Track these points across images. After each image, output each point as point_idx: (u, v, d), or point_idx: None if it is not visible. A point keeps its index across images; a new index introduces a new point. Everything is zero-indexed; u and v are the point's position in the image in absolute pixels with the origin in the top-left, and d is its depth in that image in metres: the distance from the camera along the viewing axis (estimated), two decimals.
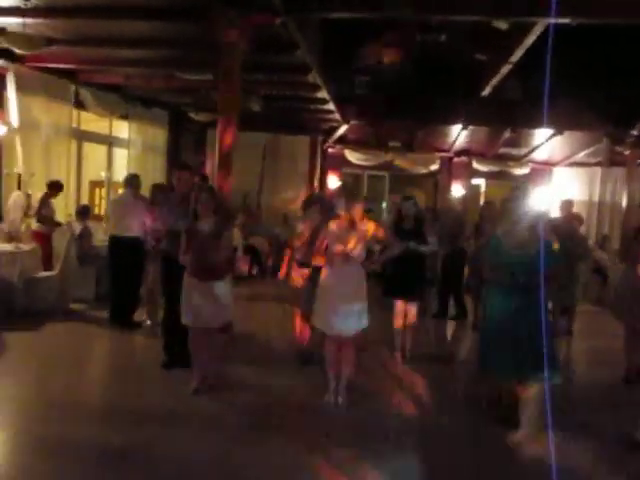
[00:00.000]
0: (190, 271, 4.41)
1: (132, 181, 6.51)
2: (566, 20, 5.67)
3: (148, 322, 6.37)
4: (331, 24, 8.24)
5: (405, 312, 5.74)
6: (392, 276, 5.65)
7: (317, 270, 4.69)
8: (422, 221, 5.78)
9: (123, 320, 6.26)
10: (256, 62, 6.89)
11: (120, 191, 7.95)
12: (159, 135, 11.01)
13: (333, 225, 4.43)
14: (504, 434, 4.02)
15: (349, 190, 5.85)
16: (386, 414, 4.43)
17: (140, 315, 6.43)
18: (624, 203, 11.04)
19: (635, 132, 10.23)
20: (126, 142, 10.25)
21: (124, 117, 9.96)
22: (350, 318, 4.32)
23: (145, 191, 6.60)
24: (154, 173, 10.44)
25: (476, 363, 4.49)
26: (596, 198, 13.55)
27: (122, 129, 10.25)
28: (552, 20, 5.60)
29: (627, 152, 10.82)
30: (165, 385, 4.69)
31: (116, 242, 6.35)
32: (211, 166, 11.45)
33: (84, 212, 7.95)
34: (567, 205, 8.30)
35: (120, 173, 10.45)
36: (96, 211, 10.12)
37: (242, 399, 4.48)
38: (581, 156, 12.93)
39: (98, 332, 6.34)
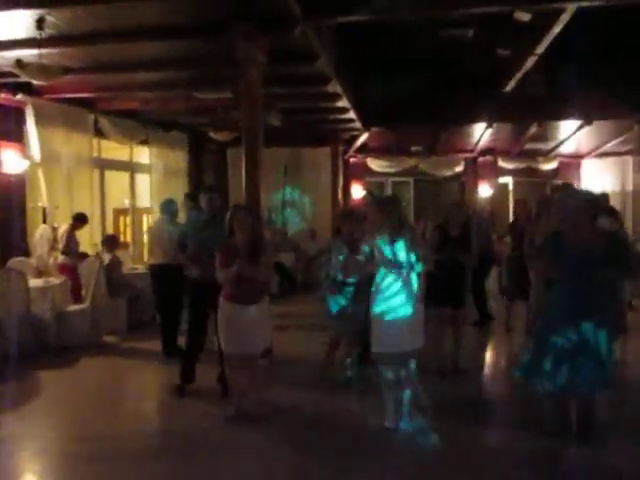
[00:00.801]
0: (227, 295, 4.21)
1: (166, 207, 6.34)
2: (597, 2, 5.41)
3: None
4: (345, 30, 8.08)
5: (452, 321, 5.48)
6: (440, 284, 5.36)
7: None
8: (469, 229, 5.53)
9: (173, 349, 6.06)
10: (275, 75, 6.73)
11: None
12: (179, 158, 10.94)
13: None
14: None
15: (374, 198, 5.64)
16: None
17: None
18: None
19: None
20: (147, 167, 10.20)
21: (144, 142, 9.91)
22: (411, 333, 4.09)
23: None
24: (177, 196, 10.32)
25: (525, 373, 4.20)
26: (630, 188, 13.12)
27: (143, 154, 10.20)
28: (583, 3, 5.40)
29: None
30: (208, 418, 4.47)
31: (154, 270, 6.23)
32: (232, 185, 11.36)
33: (112, 241, 7.83)
34: (603, 200, 7.96)
35: (143, 199, 10.40)
36: (122, 238, 10.04)
37: (294, 427, 4.25)
38: (611, 146, 12.53)
39: (134, 365, 6.16)
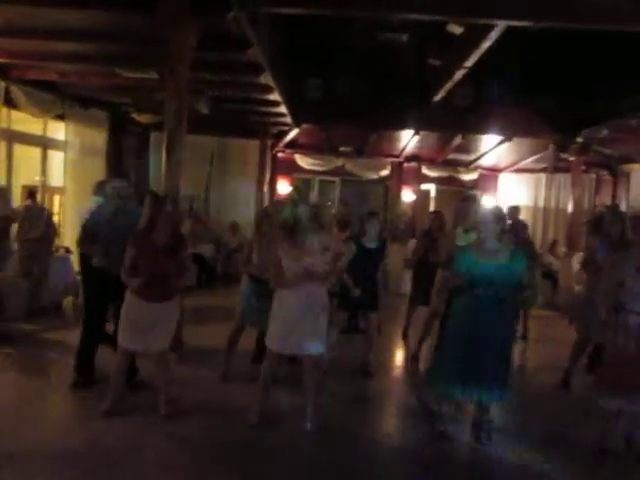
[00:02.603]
0: (136, 290, 3.98)
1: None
2: (526, 23, 5.60)
3: None
4: (283, 24, 7.96)
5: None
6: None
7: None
8: (386, 239, 5.75)
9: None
10: (206, 61, 6.50)
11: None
12: (98, 137, 10.34)
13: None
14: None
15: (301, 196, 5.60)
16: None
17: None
18: (569, 208, 11.25)
19: (580, 139, 10.43)
20: (62, 144, 9.57)
21: (60, 117, 9.29)
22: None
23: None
24: (94, 177, 9.79)
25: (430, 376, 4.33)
26: (541, 203, 13.84)
27: (58, 130, 9.57)
28: (512, 22, 5.58)
29: (572, 159, 11.03)
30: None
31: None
32: (154, 170, 10.92)
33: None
34: (514, 211, 8.31)
35: (56, 177, 9.78)
36: None
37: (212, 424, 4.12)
38: (527, 162, 13.16)
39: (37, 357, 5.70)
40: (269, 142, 12.15)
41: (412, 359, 6.26)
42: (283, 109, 9.42)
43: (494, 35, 6.30)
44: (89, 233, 4.70)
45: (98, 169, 10.13)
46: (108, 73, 7.73)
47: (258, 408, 4.16)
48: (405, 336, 7.28)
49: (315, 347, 4.06)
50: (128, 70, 7.46)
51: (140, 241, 3.96)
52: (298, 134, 11.76)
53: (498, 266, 3.88)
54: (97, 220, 4.78)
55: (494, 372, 3.91)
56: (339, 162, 13.19)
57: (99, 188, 5.57)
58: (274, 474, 3.56)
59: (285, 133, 11.84)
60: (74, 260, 7.37)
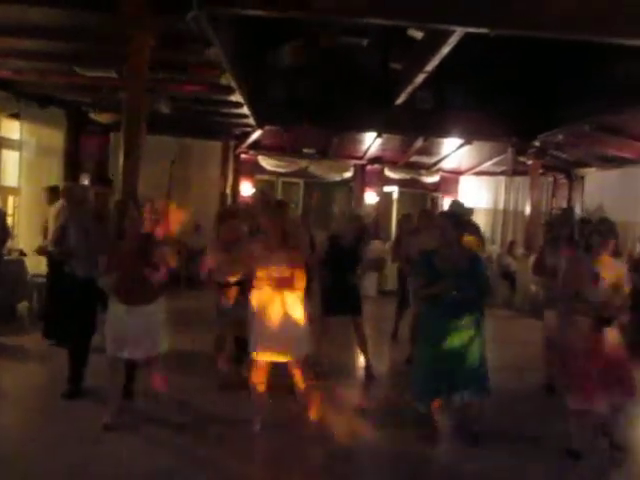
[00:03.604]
0: (117, 295, 3.93)
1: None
2: (482, 30, 5.71)
3: None
4: (246, 25, 7.92)
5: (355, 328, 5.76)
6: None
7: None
8: (361, 240, 5.82)
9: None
10: (165, 60, 6.43)
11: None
12: (56, 137, 10.10)
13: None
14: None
15: (269, 199, 5.58)
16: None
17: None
18: (527, 210, 11.53)
19: (537, 143, 10.71)
20: (17, 144, 9.31)
21: (15, 116, 9.03)
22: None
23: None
24: (50, 178, 9.56)
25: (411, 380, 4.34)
26: (501, 206, 14.16)
27: (13, 129, 9.30)
28: (469, 28, 5.69)
29: (530, 162, 11.32)
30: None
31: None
32: (114, 173, 10.68)
33: None
34: (466, 213, 8.48)
35: (11, 178, 9.50)
36: None
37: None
38: (487, 165, 13.43)
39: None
40: (232, 143, 12.07)
41: (406, 361, 6.14)
42: (245, 110, 9.37)
43: (453, 40, 6.42)
44: (58, 240, 4.59)
45: (55, 170, 9.89)
46: (66, 71, 7.56)
47: (259, 416, 4.12)
48: (395, 336, 7.35)
49: (296, 351, 4.03)
50: (87, 69, 7.31)
51: (111, 248, 3.92)
52: (261, 135, 11.72)
53: (457, 272, 3.95)
54: (64, 226, 4.67)
55: (470, 374, 3.99)
56: (302, 164, 13.21)
57: (68, 191, 5.47)
58: None
59: (248, 134, 11.78)
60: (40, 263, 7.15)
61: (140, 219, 3.98)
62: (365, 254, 5.80)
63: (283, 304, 3.96)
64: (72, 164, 10.42)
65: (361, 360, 5.93)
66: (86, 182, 5.23)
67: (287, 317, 3.95)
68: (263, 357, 4.03)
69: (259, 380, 4.12)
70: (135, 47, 5.17)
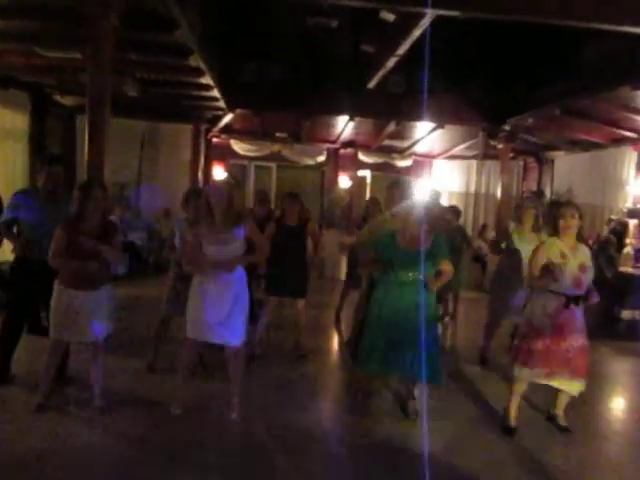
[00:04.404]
0: (64, 279, 3.84)
1: None
2: (453, 12, 5.69)
3: None
4: (214, 7, 7.77)
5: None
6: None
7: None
8: (305, 220, 5.78)
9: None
10: (131, 41, 6.26)
11: None
12: (19, 120, 9.79)
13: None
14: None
15: (236, 182, 5.49)
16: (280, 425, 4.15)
17: None
18: (498, 194, 11.65)
19: (507, 127, 10.78)
20: None
21: None
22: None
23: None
24: (14, 162, 9.30)
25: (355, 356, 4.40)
26: (473, 189, 14.30)
27: None
28: (440, 11, 5.66)
29: (500, 146, 11.41)
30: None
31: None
32: (81, 156, 10.43)
33: None
34: (435, 196, 8.54)
35: None
36: None
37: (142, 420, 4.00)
38: (459, 149, 13.51)
39: None
40: (203, 127, 11.88)
41: (345, 343, 6.34)
42: (216, 93, 9.22)
43: (425, 23, 6.38)
44: (5, 221, 4.46)
45: (19, 153, 9.62)
46: (28, 52, 7.31)
47: (181, 399, 4.10)
48: (338, 319, 7.39)
49: (233, 338, 3.97)
50: (49, 49, 7.08)
51: (70, 228, 3.80)
52: (233, 119, 11.56)
53: (418, 252, 3.97)
54: (15, 205, 4.51)
55: (418, 354, 3.97)
56: (275, 148, 13.11)
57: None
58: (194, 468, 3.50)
59: (219, 118, 11.60)
60: None
61: (104, 202, 3.88)
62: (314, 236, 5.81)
63: (222, 286, 3.90)
64: (37, 148, 10.14)
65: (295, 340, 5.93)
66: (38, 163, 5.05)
67: (227, 302, 3.90)
68: (197, 338, 4.01)
69: (187, 362, 4.10)
70: (98, 27, 5.00)
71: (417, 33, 6.76)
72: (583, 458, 3.91)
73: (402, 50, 7.49)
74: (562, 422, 4.24)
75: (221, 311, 3.88)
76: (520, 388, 4.13)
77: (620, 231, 9.20)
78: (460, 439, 4.03)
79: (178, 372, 4.15)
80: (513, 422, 4.16)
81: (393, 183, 4.92)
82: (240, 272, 4.01)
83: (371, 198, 7.65)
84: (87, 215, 3.83)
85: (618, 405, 5.26)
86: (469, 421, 4.36)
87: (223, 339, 3.98)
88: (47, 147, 10.53)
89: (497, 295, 5.84)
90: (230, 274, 3.91)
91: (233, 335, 3.95)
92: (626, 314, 7.82)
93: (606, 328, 7.42)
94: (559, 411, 4.27)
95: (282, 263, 5.38)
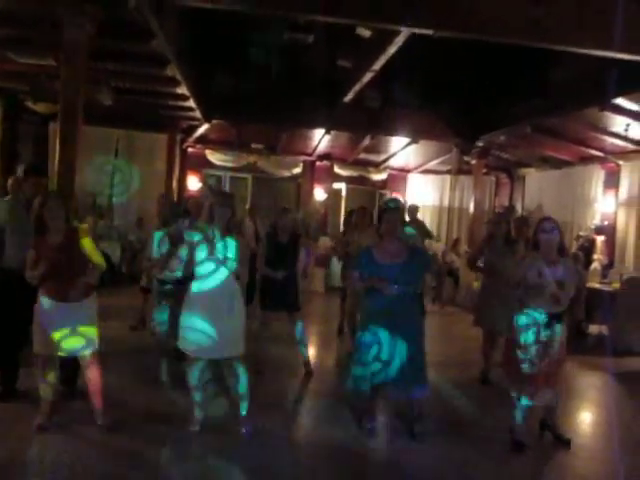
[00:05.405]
0: (46, 291, 3.76)
1: None
2: (426, 31, 5.80)
3: None
4: (194, 17, 7.78)
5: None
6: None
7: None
8: (298, 236, 5.71)
9: None
10: (108, 50, 6.24)
11: None
12: None
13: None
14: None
15: (219, 193, 5.50)
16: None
17: None
18: (471, 208, 11.83)
19: (480, 143, 10.99)
20: None
21: None
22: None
23: None
24: None
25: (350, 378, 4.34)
26: (446, 203, 14.47)
27: None
28: (414, 29, 5.77)
29: (473, 162, 11.60)
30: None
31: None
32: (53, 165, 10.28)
33: None
34: (413, 210, 8.67)
35: None
36: None
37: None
38: (433, 164, 13.70)
39: None
40: (178, 136, 11.82)
41: (348, 355, 6.20)
42: (192, 103, 9.21)
43: (400, 40, 6.50)
44: None
45: None
46: (1, 57, 7.22)
47: (198, 416, 4.02)
48: (340, 332, 7.37)
49: (233, 350, 3.91)
50: (23, 55, 7.01)
51: (37, 245, 3.74)
52: (208, 129, 11.53)
53: (398, 266, 4.00)
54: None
55: (409, 369, 4.00)
56: (251, 159, 13.11)
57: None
58: None
59: (195, 128, 11.58)
60: None
61: (60, 212, 3.75)
62: (306, 249, 5.79)
63: (217, 299, 3.86)
64: (8, 155, 9.98)
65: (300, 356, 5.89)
66: (20, 172, 4.97)
67: (221, 314, 3.84)
68: (198, 355, 3.94)
69: (193, 377, 4.01)
70: (72, 34, 4.97)
71: (392, 50, 6.88)
72: (546, 473, 3.96)
73: (378, 66, 7.61)
74: (559, 433, 4.30)
75: (217, 324, 3.81)
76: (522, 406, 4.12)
77: (588, 247, 9.42)
78: (470, 457, 4.00)
79: (190, 390, 4.02)
80: (522, 437, 4.10)
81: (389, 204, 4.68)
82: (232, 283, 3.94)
83: (360, 207, 7.55)
84: (49, 226, 3.73)
85: (584, 419, 5.34)
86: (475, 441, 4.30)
87: (222, 353, 3.91)
88: (19, 154, 10.37)
89: (490, 313, 5.55)
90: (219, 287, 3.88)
91: (231, 347, 3.89)
92: (593, 329, 7.98)
93: (573, 343, 7.51)
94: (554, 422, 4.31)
95: (274, 278, 5.38)
